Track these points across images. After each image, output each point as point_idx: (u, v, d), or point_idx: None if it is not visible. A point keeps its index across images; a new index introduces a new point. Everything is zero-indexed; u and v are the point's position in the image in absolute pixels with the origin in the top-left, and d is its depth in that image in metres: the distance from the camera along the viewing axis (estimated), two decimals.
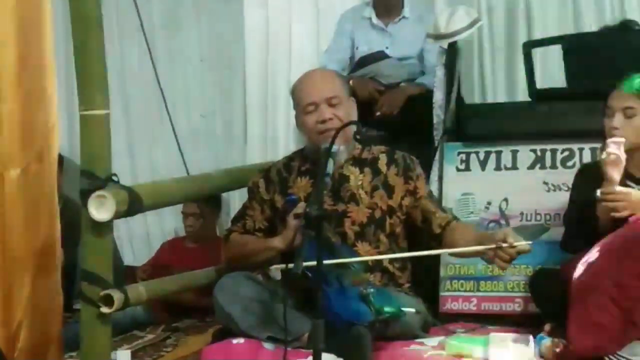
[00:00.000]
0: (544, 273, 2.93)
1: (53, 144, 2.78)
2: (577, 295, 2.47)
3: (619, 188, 2.62)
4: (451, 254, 2.93)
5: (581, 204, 2.79)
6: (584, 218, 2.74)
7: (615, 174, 2.64)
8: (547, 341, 2.53)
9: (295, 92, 2.94)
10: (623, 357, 2.34)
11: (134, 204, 2.62)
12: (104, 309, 2.57)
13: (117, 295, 2.58)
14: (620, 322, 2.36)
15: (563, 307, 2.50)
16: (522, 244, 2.53)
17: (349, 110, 2.89)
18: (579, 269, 2.54)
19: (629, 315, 2.36)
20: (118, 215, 2.58)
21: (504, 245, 2.52)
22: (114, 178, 2.60)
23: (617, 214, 2.58)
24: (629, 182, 2.73)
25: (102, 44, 2.59)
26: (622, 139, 2.67)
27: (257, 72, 4.08)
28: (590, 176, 2.82)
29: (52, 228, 2.79)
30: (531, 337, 2.61)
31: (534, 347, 2.51)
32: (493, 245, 2.55)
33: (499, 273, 3.13)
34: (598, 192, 2.65)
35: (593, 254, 2.53)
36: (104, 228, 2.59)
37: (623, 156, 2.64)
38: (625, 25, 3.47)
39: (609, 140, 2.68)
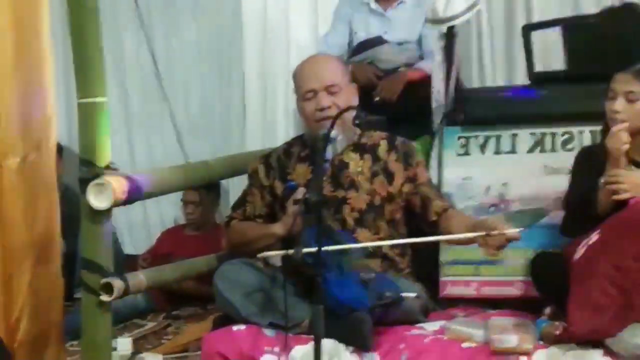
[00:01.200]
0: (544, 256, 2.92)
1: (51, 133, 2.78)
2: (577, 278, 2.48)
3: (621, 171, 2.62)
4: (444, 241, 2.94)
5: (581, 187, 2.79)
6: (584, 202, 2.74)
7: (622, 158, 2.64)
8: (547, 325, 2.53)
9: (296, 77, 2.93)
10: (622, 339, 2.34)
11: (132, 192, 2.62)
12: (104, 297, 2.58)
13: (117, 284, 2.59)
14: (620, 304, 2.36)
15: (563, 291, 2.50)
16: (512, 231, 2.53)
17: (349, 97, 2.88)
18: (579, 251, 2.54)
19: (628, 297, 2.36)
20: (117, 203, 2.58)
21: (494, 232, 2.53)
22: (113, 166, 2.60)
23: (619, 197, 2.57)
24: (630, 166, 2.72)
25: (99, 32, 2.58)
26: (626, 124, 2.66)
27: (256, 59, 4.07)
28: (590, 159, 2.81)
29: (52, 217, 2.79)
30: (531, 321, 2.62)
31: (535, 331, 2.52)
32: (483, 233, 2.55)
33: (499, 257, 3.13)
34: (602, 180, 2.65)
35: (593, 237, 2.53)
36: (103, 216, 2.59)
37: (628, 140, 2.64)
38: (626, 8, 3.45)
39: (614, 128, 2.67)
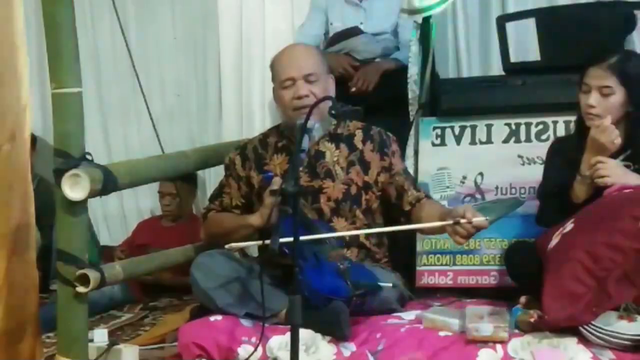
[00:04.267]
0: (519, 246, 2.95)
1: (25, 123, 2.74)
2: (552, 266, 2.50)
3: (604, 158, 2.64)
4: (415, 230, 2.95)
5: (555, 178, 2.81)
6: (558, 192, 2.76)
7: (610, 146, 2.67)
8: (522, 313, 2.55)
9: (274, 66, 2.93)
10: (597, 326, 2.36)
11: (108, 182, 2.60)
12: (80, 289, 2.57)
13: (93, 275, 2.57)
14: (595, 293, 2.38)
15: (538, 280, 2.52)
16: (480, 219, 2.55)
17: (327, 87, 2.89)
18: (554, 240, 2.57)
19: (603, 285, 2.38)
20: (92, 194, 2.56)
21: (462, 220, 2.54)
22: (88, 157, 2.58)
23: (603, 182, 2.59)
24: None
25: (73, 21, 2.55)
26: (610, 117, 2.68)
27: (232, 49, 4.05)
28: (563, 150, 2.83)
29: (26, 209, 2.76)
30: (507, 310, 2.64)
31: (510, 319, 2.54)
32: (451, 222, 2.57)
33: (472, 247, 3.16)
34: (581, 171, 2.68)
35: (568, 225, 2.56)
36: (78, 207, 2.57)
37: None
38: None
39: (605, 122, 2.67)
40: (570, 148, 2.79)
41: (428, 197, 3.00)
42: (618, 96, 2.70)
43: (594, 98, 2.72)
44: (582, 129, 2.78)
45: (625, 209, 2.43)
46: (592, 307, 2.37)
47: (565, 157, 2.79)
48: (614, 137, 2.65)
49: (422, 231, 2.98)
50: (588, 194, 2.68)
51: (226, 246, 2.63)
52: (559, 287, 2.41)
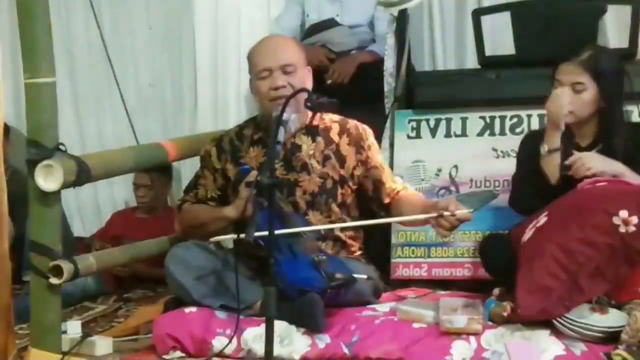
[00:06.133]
0: (493, 238, 2.97)
1: None
2: (525, 260, 2.52)
3: (583, 153, 2.67)
4: (398, 223, 2.96)
5: (531, 162, 2.81)
6: (532, 176, 2.78)
7: (562, 124, 2.71)
8: (496, 305, 2.57)
9: (252, 57, 2.92)
10: (570, 319, 2.39)
11: (82, 173, 2.58)
12: (54, 280, 2.55)
13: (66, 266, 2.56)
14: (567, 287, 2.40)
15: (512, 271, 2.54)
16: (463, 212, 2.57)
17: (304, 79, 2.88)
18: (528, 233, 2.59)
19: (575, 280, 2.40)
20: (66, 185, 2.54)
21: (446, 213, 2.56)
22: (62, 147, 2.56)
23: (590, 174, 2.61)
24: (573, 151, 2.77)
25: (47, 10, 2.53)
26: (567, 87, 2.71)
27: (207, 40, 4.03)
28: (535, 143, 2.85)
29: None
30: (480, 302, 2.66)
31: (484, 311, 2.56)
32: (435, 214, 2.58)
33: (449, 240, 3.18)
34: (544, 148, 2.70)
35: (541, 219, 2.58)
36: (51, 198, 2.55)
37: (568, 102, 2.70)
38: None
39: (557, 90, 2.71)
40: (541, 141, 2.81)
41: (406, 188, 3.00)
42: (590, 92, 2.73)
43: (566, 94, 2.74)
44: None
45: (599, 204, 2.45)
46: (565, 301, 2.39)
47: (537, 150, 2.81)
48: (561, 106, 2.68)
49: (404, 223, 2.98)
50: (557, 171, 2.69)
51: (211, 240, 2.63)
52: (532, 281, 2.43)
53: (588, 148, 2.78)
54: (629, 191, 2.48)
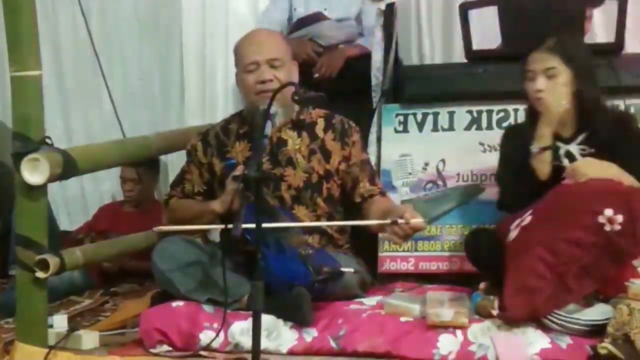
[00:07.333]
0: (479, 232, 2.97)
1: None
2: (512, 261, 2.51)
3: (578, 162, 2.67)
4: (356, 226, 2.94)
5: (515, 160, 2.82)
6: (516, 174, 2.78)
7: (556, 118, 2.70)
8: (482, 299, 2.58)
9: (238, 50, 2.91)
10: (556, 313, 2.39)
11: (68, 167, 2.58)
12: (40, 274, 2.55)
13: (52, 260, 2.56)
14: (555, 287, 2.40)
15: (497, 265, 2.55)
16: (418, 221, 2.57)
17: (291, 73, 2.88)
18: (514, 232, 2.58)
19: (563, 280, 2.40)
20: (52, 178, 2.54)
21: (400, 221, 2.56)
22: (48, 141, 2.56)
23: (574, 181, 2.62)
24: (557, 142, 2.77)
25: (33, 3, 2.52)
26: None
27: (194, 33, 4.02)
28: (517, 137, 2.86)
29: None
30: (467, 296, 2.66)
31: (470, 305, 2.56)
32: (389, 221, 2.58)
33: (436, 233, 3.19)
34: (534, 148, 2.70)
35: (526, 218, 2.57)
36: (38, 192, 2.55)
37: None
38: None
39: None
40: (522, 135, 2.82)
41: (383, 193, 2.99)
42: (563, 76, 2.73)
43: (540, 82, 2.74)
44: (534, 116, 2.80)
45: (583, 203, 2.44)
46: (553, 301, 2.38)
47: (518, 142, 2.81)
48: (560, 98, 2.69)
49: (366, 228, 2.96)
50: (548, 168, 2.70)
51: (198, 227, 2.62)
52: (519, 282, 2.43)
53: (570, 139, 2.78)
54: (613, 189, 2.47)
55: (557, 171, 2.68)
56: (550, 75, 2.73)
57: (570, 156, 2.77)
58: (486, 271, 2.74)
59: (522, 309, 2.40)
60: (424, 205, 3.20)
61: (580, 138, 2.78)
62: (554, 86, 2.73)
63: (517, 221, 2.61)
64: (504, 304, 2.45)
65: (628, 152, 2.69)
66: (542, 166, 2.72)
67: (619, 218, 2.37)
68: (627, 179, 2.57)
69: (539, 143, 2.73)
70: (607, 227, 2.38)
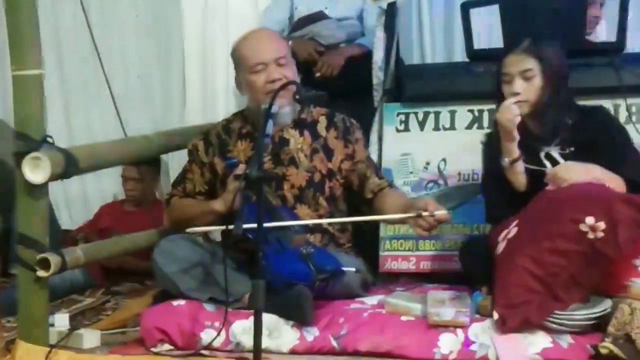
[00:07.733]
0: (471, 244, 2.95)
1: None
2: (500, 274, 2.50)
3: (559, 166, 2.66)
4: (376, 221, 2.95)
5: (496, 171, 2.80)
6: (503, 188, 2.77)
7: (515, 131, 2.69)
8: (483, 298, 2.57)
9: (241, 51, 2.90)
10: (557, 314, 2.38)
11: (69, 166, 2.58)
12: (41, 273, 2.55)
13: (53, 259, 2.56)
14: (544, 297, 2.38)
15: (491, 274, 2.54)
16: (442, 212, 2.57)
17: (294, 71, 2.89)
18: (501, 245, 2.57)
19: (552, 290, 2.38)
20: (53, 177, 2.54)
21: (424, 213, 2.56)
22: (49, 140, 2.56)
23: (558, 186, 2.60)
24: (532, 142, 2.76)
25: (33, 1, 2.52)
26: (516, 98, 2.70)
27: (195, 32, 4.02)
28: (492, 145, 2.84)
29: None
30: (468, 295, 2.66)
31: (471, 304, 2.56)
32: (414, 214, 2.58)
33: (437, 233, 3.19)
34: (505, 160, 2.70)
35: (512, 229, 2.56)
36: (39, 191, 2.55)
37: (518, 112, 2.69)
38: None
39: (506, 102, 2.70)
40: (495, 142, 2.80)
41: (391, 185, 3.01)
42: (539, 78, 2.72)
43: (517, 85, 2.74)
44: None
45: (565, 212, 2.42)
46: (544, 311, 2.37)
47: (493, 151, 2.80)
48: (511, 117, 2.67)
49: (385, 221, 2.99)
50: (524, 178, 2.69)
51: (187, 230, 2.63)
52: (509, 297, 2.41)
53: (546, 143, 2.76)
54: (593, 196, 2.43)
55: (542, 175, 2.67)
56: (527, 77, 2.73)
57: (551, 158, 2.77)
58: (481, 285, 2.70)
59: (515, 321, 2.38)
60: None
61: (557, 140, 2.77)
62: (530, 88, 2.72)
63: (504, 233, 2.59)
64: (499, 318, 2.42)
65: (610, 143, 2.69)
66: (517, 178, 2.72)
67: (601, 225, 2.34)
68: (610, 179, 2.55)
69: (507, 156, 2.72)
70: (590, 235, 2.35)
